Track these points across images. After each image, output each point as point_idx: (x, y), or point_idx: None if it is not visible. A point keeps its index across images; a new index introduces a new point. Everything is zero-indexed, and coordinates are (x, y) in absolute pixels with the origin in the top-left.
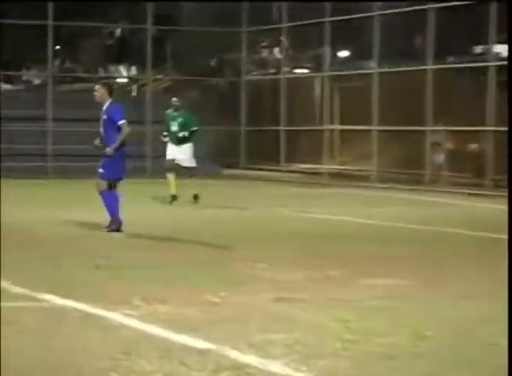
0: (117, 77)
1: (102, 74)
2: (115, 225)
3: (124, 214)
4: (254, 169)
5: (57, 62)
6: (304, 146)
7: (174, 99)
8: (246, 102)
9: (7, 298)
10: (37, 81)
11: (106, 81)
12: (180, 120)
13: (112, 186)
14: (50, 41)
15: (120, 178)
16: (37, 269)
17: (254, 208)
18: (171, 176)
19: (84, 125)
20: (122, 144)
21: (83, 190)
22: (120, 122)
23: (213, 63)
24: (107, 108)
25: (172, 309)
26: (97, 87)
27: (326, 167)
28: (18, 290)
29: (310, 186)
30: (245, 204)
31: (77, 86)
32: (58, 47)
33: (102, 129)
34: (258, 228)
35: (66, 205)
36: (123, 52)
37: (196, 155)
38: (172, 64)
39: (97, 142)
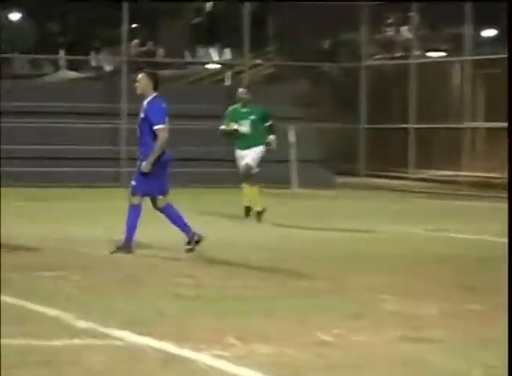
0: (206, 63)
1: (188, 58)
2: (127, 246)
3: (196, 228)
4: (375, 177)
5: (134, 44)
6: (438, 148)
7: (241, 90)
8: (367, 93)
9: (69, 334)
10: (108, 68)
11: (151, 70)
12: (252, 117)
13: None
14: (125, 18)
15: (160, 193)
16: (106, 300)
17: (374, 225)
18: (246, 186)
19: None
20: (159, 156)
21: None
22: (156, 127)
23: (326, 45)
24: (147, 104)
25: (274, 350)
26: (140, 76)
27: (466, 174)
28: (82, 324)
29: (446, 197)
30: (363, 220)
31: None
32: (135, 25)
33: (138, 131)
34: (380, 250)
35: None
36: (214, 32)
37: (304, 158)
38: (275, 47)
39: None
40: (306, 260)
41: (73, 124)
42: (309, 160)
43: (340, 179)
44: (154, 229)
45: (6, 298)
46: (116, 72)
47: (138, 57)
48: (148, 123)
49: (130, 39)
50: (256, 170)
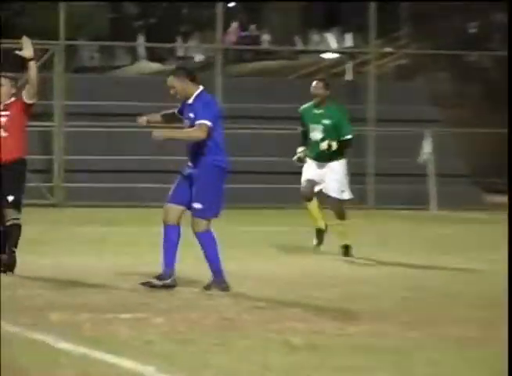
0: (322, 52)
1: (299, 46)
2: (220, 282)
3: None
4: None
5: (232, 28)
6: None
7: (314, 83)
8: None
9: None
10: (199, 58)
11: (180, 67)
12: (327, 122)
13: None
14: None
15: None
16: (195, 349)
17: None
18: (312, 205)
19: (273, 125)
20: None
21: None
22: (199, 121)
23: (473, 28)
24: (194, 101)
25: None
26: (170, 80)
27: None
28: None
29: None
30: None
31: (261, 65)
32: (232, 4)
33: None
34: None
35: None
36: (332, 14)
37: (444, 171)
38: (408, 32)
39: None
40: (449, 300)
41: (150, 128)
42: (451, 175)
43: (492, 198)
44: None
45: (68, 346)
46: (208, 63)
47: (236, 44)
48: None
49: (227, 22)
50: (346, 196)
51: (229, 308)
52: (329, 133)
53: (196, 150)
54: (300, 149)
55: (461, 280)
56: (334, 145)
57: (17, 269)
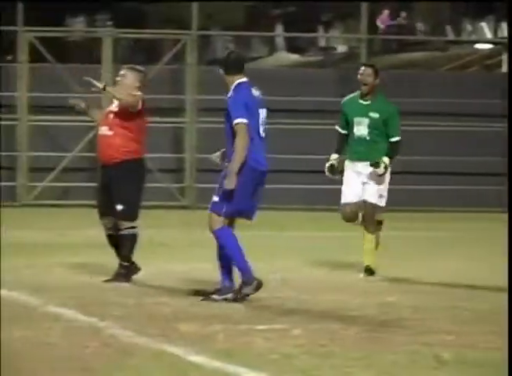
0: (476, 42)
1: (451, 36)
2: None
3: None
4: None
5: (383, 16)
6: None
7: (362, 69)
8: None
9: None
10: (341, 49)
11: (225, 57)
12: (374, 115)
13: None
14: None
15: (247, 216)
16: (338, 363)
17: None
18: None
19: (420, 121)
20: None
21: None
22: (236, 121)
23: None
24: (229, 96)
25: None
26: (221, 72)
27: None
28: None
29: None
30: None
31: (408, 56)
32: None
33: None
34: None
35: None
36: (486, 1)
37: None
38: None
39: (216, 154)
40: None
41: (299, 124)
42: None
43: None
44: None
45: (199, 358)
46: (352, 55)
47: (384, 34)
48: (230, 122)
49: (372, 10)
50: (382, 203)
51: (373, 318)
52: (374, 130)
53: (231, 146)
54: (334, 156)
55: None
56: (387, 163)
57: (144, 276)
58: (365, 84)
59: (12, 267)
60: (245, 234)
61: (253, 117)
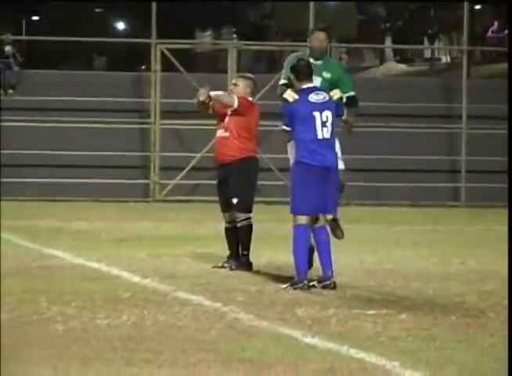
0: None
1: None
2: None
3: None
4: None
5: (493, 29)
6: None
7: (316, 33)
8: None
9: None
10: (445, 59)
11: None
12: (327, 76)
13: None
14: None
15: (324, 210)
16: (438, 346)
17: None
18: None
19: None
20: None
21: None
22: (281, 127)
23: None
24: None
25: None
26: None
27: None
28: (409, 374)
29: None
30: None
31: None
32: (479, 6)
33: None
34: None
35: None
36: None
37: None
38: None
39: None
40: None
41: (404, 128)
42: None
43: None
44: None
45: (314, 340)
46: (454, 65)
47: (491, 46)
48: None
49: (472, 22)
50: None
51: (473, 305)
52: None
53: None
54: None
55: None
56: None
57: (266, 266)
58: (315, 47)
59: (145, 256)
60: (356, 228)
61: (305, 121)
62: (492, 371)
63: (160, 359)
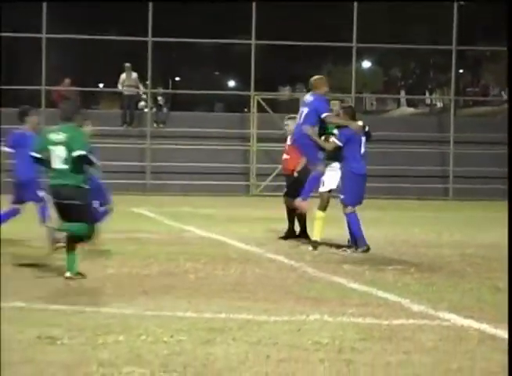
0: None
1: (504, 97)
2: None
3: None
4: None
5: (460, 85)
6: None
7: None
8: None
9: (406, 315)
10: (440, 104)
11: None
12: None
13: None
14: (453, 65)
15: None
16: (436, 289)
17: None
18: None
19: (484, 148)
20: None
21: (485, 211)
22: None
23: None
24: None
25: None
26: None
27: None
28: (416, 308)
29: None
30: None
31: (478, 110)
32: (461, 71)
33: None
34: None
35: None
36: None
37: None
38: None
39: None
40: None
41: (413, 149)
42: None
43: None
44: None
45: (355, 285)
46: (446, 109)
47: (462, 96)
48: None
49: (457, 81)
50: None
51: (458, 263)
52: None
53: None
54: None
55: None
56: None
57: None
58: None
59: (246, 230)
60: (382, 213)
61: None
62: (474, 306)
63: (256, 297)
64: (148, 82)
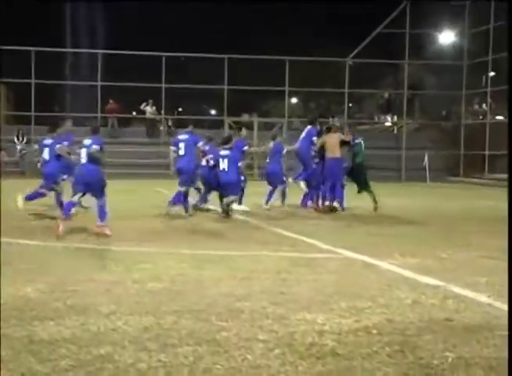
0: (384, 123)
1: (376, 120)
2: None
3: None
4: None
5: (351, 113)
6: None
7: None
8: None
9: (318, 251)
10: (338, 123)
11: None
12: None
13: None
14: (346, 103)
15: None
16: (337, 234)
17: None
18: None
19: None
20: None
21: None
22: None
23: (444, 113)
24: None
25: (418, 261)
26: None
27: None
28: (324, 246)
29: None
30: None
31: (362, 128)
32: (350, 105)
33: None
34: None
35: None
36: (389, 107)
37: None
38: (419, 114)
39: None
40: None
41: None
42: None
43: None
44: None
45: (287, 233)
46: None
47: (353, 119)
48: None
49: (349, 111)
50: None
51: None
52: None
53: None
54: None
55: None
56: None
57: None
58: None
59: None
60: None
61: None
62: (358, 245)
63: (230, 241)
64: (162, 111)
